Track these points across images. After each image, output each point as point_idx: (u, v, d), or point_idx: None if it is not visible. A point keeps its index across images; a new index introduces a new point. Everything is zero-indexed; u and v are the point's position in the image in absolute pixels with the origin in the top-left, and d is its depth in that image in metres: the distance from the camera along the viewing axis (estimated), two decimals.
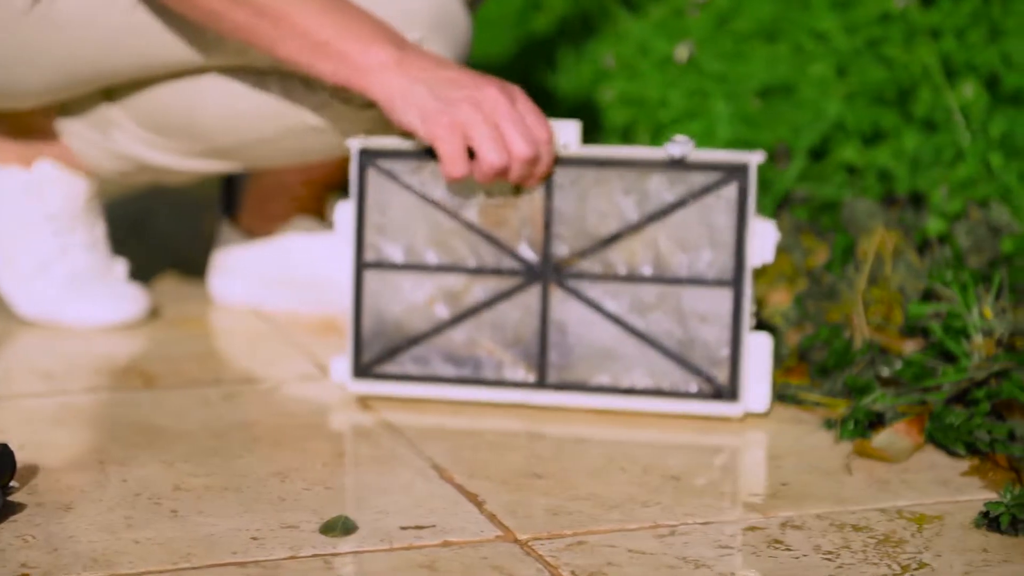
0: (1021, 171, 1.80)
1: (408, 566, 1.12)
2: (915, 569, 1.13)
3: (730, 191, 1.42)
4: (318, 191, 1.86)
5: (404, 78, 1.41)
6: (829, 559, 1.15)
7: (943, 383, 1.46)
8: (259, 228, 1.85)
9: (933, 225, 1.76)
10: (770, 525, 1.21)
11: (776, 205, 1.96)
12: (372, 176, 1.46)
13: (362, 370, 1.48)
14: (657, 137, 2.13)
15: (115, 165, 1.68)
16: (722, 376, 1.43)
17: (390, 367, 1.48)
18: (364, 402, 1.49)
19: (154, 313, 1.77)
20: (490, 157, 1.40)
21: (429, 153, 1.45)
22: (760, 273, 1.77)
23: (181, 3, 1.46)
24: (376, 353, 1.48)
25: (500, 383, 1.46)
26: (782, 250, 1.84)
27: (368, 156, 1.46)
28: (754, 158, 1.42)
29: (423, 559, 1.13)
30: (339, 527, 1.17)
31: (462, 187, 1.45)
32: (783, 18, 2.20)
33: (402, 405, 1.48)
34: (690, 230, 1.42)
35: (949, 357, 1.50)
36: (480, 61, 2.81)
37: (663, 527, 1.20)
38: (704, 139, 1.99)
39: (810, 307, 1.67)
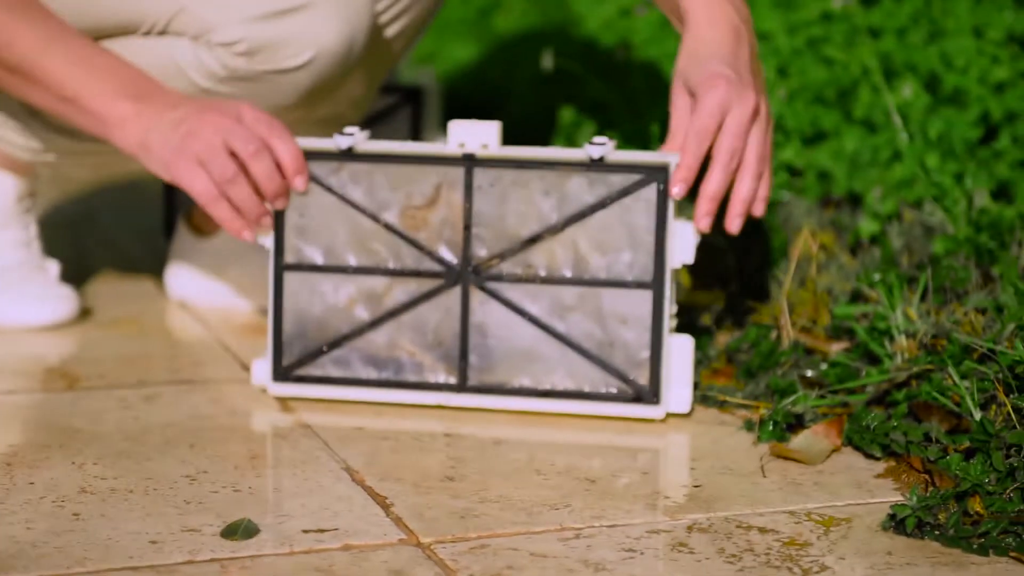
0: (956, 172, 1.79)
1: (305, 570, 1.11)
2: (816, 572, 1.13)
3: (649, 192, 1.41)
4: None
5: (141, 130, 1.46)
6: (731, 562, 1.14)
7: (866, 384, 1.45)
8: (210, 226, 1.84)
9: (866, 226, 1.76)
10: (677, 528, 1.21)
11: None
12: None
13: (282, 373, 1.47)
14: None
15: (28, 154, 1.67)
16: (642, 378, 1.43)
17: (311, 370, 1.47)
18: (284, 404, 1.48)
19: (87, 313, 1.76)
20: (217, 172, 1.43)
21: (349, 153, 1.44)
22: (691, 273, 1.76)
23: None
24: (297, 355, 1.47)
25: (420, 386, 1.46)
26: (717, 251, 1.84)
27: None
28: (674, 158, 1.41)
29: (320, 563, 1.12)
30: (240, 531, 1.17)
31: (382, 188, 1.44)
32: None
33: (323, 407, 1.47)
34: (610, 231, 1.42)
35: (875, 359, 1.50)
36: (444, 63, 2.80)
37: (569, 530, 1.20)
38: (644, 144, 1.98)
39: (740, 308, 1.67)
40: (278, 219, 1.46)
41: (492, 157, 1.43)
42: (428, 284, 1.45)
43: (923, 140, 1.86)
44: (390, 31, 1.64)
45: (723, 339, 1.63)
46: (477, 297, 1.44)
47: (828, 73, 1.99)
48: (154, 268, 1.93)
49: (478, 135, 1.43)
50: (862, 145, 1.90)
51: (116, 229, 2.20)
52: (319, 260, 1.46)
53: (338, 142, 1.44)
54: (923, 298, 1.54)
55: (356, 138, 1.45)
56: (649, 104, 2.11)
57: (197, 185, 1.44)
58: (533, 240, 1.43)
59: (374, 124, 2.14)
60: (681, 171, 1.39)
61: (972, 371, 1.38)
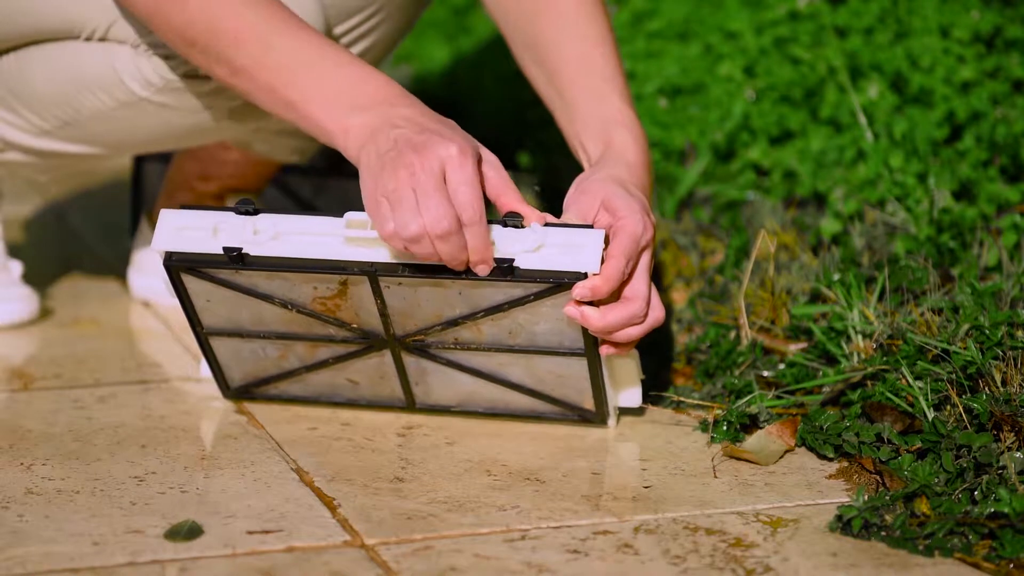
0: (920, 171, 1.79)
1: (246, 572, 1.11)
2: (760, 573, 1.12)
3: (564, 298, 1.31)
4: (222, 187, 1.85)
5: (357, 145, 1.31)
6: (675, 564, 1.14)
7: (822, 385, 1.45)
8: None
9: (828, 226, 1.75)
10: (623, 529, 1.20)
11: (678, 205, 1.95)
12: (188, 280, 1.37)
13: (230, 395, 1.46)
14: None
15: None
16: (588, 406, 1.40)
17: (257, 391, 1.45)
18: (239, 405, 1.47)
19: (48, 313, 1.76)
20: (400, 223, 1.27)
21: (241, 260, 1.32)
22: (658, 270, 1.76)
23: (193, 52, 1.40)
24: (243, 382, 1.45)
25: (372, 405, 1.44)
26: (680, 251, 1.83)
27: (180, 266, 1.34)
28: (591, 266, 1.29)
29: (262, 564, 1.12)
30: (184, 532, 1.16)
31: (287, 281, 1.34)
32: (695, 18, 2.20)
33: (277, 408, 1.46)
34: (535, 317, 1.34)
35: (832, 359, 1.49)
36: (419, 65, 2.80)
37: (515, 531, 1.19)
38: None
39: (701, 308, 1.66)
40: (183, 300, 1.38)
41: (394, 273, 1.31)
42: (356, 347, 1.39)
43: (888, 140, 1.86)
44: (353, 51, 1.62)
45: (683, 339, 1.63)
46: (409, 357, 1.39)
47: (795, 73, 1.99)
48: (120, 268, 1.93)
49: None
50: (828, 145, 1.90)
51: (83, 228, 2.20)
52: (239, 328, 1.39)
53: (226, 248, 1.32)
54: (881, 298, 1.54)
55: (246, 235, 1.32)
56: None
57: (382, 230, 1.29)
58: (453, 322, 1.35)
59: None
60: (599, 286, 1.30)
61: (926, 372, 1.38)
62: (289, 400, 1.46)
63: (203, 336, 1.41)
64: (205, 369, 1.48)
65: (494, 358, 1.38)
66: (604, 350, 1.34)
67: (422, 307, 1.34)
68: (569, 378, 1.38)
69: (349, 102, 1.33)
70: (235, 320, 1.39)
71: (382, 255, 1.31)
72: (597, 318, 1.31)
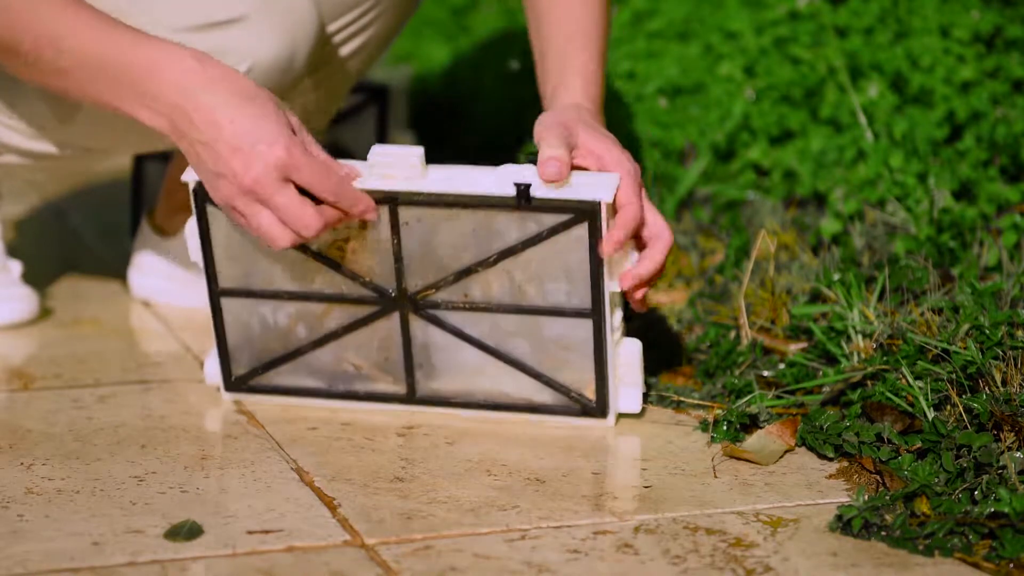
0: (920, 171, 1.79)
1: (246, 571, 1.11)
2: (760, 573, 1.12)
3: (580, 230, 1.34)
4: None
5: (191, 85, 1.32)
6: (675, 564, 1.14)
7: (822, 385, 1.45)
8: (171, 225, 1.84)
9: (828, 226, 1.75)
10: (623, 529, 1.20)
11: (678, 205, 1.95)
12: (213, 212, 1.39)
13: (233, 385, 1.46)
14: None
15: None
16: (589, 393, 1.41)
17: (260, 380, 1.46)
18: (239, 404, 1.47)
19: (48, 313, 1.76)
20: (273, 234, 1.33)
21: None
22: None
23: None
24: (245, 367, 1.46)
25: (370, 397, 1.45)
26: (681, 251, 1.83)
27: (206, 193, 1.37)
28: (605, 196, 1.33)
29: (262, 564, 1.12)
30: (184, 532, 1.16)
31: None
32: (695, 18, 2.20)
33: (277, 407, 1.46)
34: (544, 264, 1.36)
35: (832, 359, 1.49)
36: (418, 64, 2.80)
37: (515, 531, 1.19)
38: None
39: (701, 308, 1.66)
40: (205, 245, 1.40)
41: (416, 198, 1.35)
42: (366, 310, 1.41)
43: (888, 140, 1.86)
44: (348, 48, 1.62)
45: (683, 339, 1.63)
46: (417, 322, 1.41)
47: (795, 73, 1.99)
48: (120, 268, 1.92)
49: (400, 162, 1.36)
50: (828, 145, 1.90)
51: (83, 228, 2.19)
52: (254, 285, 1.42)
53: None
54: (881, 298, 1.54)
55: None
56: (614, 103, 2.11)
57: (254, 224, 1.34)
58: (467, 272, 1.37)
59: (340, 123, 2.13)
60: (620, 237, 1.36)
61: (926, 371, 1.38)
62: (288, 393, 1.46)
63: (216, 298, 1.42)
64: (208, 370, 1.48)
65: (501, 325, 1.39)
66: (638, 297, 1.39)
67: (437, 252, 1.36)
68: (573, 350, 1.39)
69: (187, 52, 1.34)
70: (249, 275, 1.40)
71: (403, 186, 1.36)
72: (649, 267, 1.37)
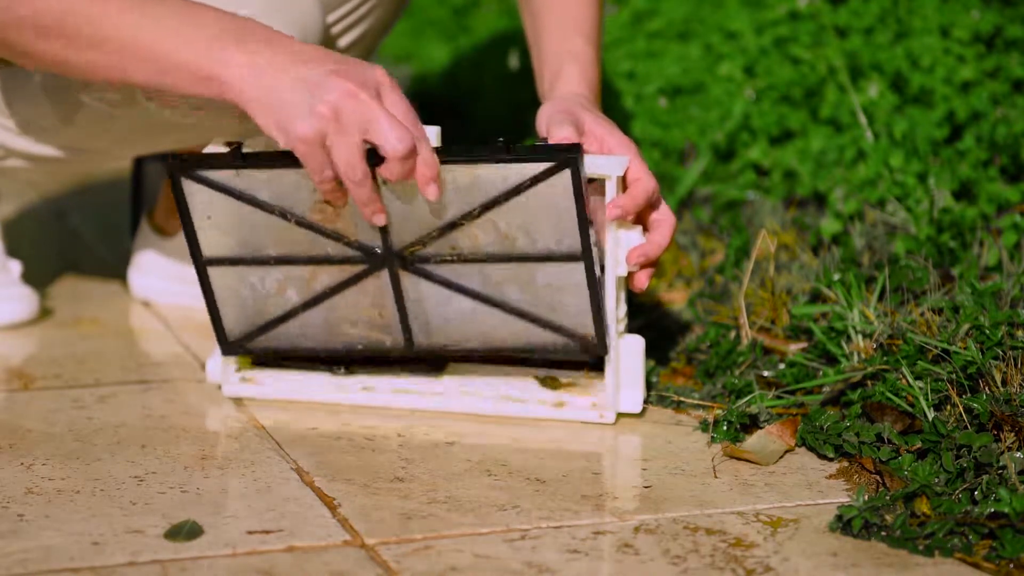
0: (920, 171, 1.79)
1: (246, 571, 1.11)
2: (760, 573, 1.12)
3: (563, 178, 1.35)
4: None
5: (256, 86, 1.31)
6: (675, 564, 1.14)
7: (822, 385, 1.45)
8: (171, 225, 1.84)
9: (828, 226, 1.75)
10: (624, 529, 1.20)
11: (678, 205, 1.95)
12: (188, 185, 1.38)
13: (230, 347, 1.46)
14: None
15: None
16: (587, 330, 1.41)
17: (257, 343, 1.46)
18: (239, 404, 1.47)
19: (48, 313, 1.76)
20: (344, 166, 1.31)
21: (244, 157, 1.36)
22: (658, 274, 1.76)
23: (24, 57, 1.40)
24: (242, 332, 1.46)
25: (370, 350, 1.45)
26: (681, 251, 1.83)
27: (179, 167, 1.37)
28: (617, 170, 1.37)
29: (262, 564, 1.12)
30: (184, 532, 1.16)
31: (288, 186, 1.38)
32: (695, 18, 2.20)
33: (277, 406, 1.46)
34: (530, 213, 1.37)
35: (832, 359, 1.49)
36: (418, 64, 2.80)
37: (515, 531, 1.19)
38: None
39: (701, 308, 1.66)
40: (185, 216, 1.40)
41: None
42: (353, 270, 1.42)
43: (888, 140, 1.86)
44: (345, 40, 1.63)
45: (683, 339, 1.63)
46: (407, 278, 1.41)
47: (795, 72, 1.99)
48: (120, 268, 1.92)
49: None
50: (828, 145, 1.90)
51: (83, 228, 2.20)
52: (239, 253, 1.42)
53: (228, 142, 1.39)
54: (881, 298, 1.54)
55: (256, 142, 1.39)
56: (614, 103, 2.11)
57: (311, 163, 1.32)
58: (453, 226, 1.38)
59: None
60: (628, 207, 1.39)
61: (926, 372, 1.38)
62: (287, 355, 1.46)
63: (203, 267, 1.42)
64: (210, 370, 1.48)
65: (491, 276, 1.40)
66: (642, 278, 1.41)
67: (421, 209, 1.36)
68: (567, 291, 1.39)
69: (232, 39, 1.32)
70: (233, 243, 1.41)
71: None
72: (656, 246, 1.40)
